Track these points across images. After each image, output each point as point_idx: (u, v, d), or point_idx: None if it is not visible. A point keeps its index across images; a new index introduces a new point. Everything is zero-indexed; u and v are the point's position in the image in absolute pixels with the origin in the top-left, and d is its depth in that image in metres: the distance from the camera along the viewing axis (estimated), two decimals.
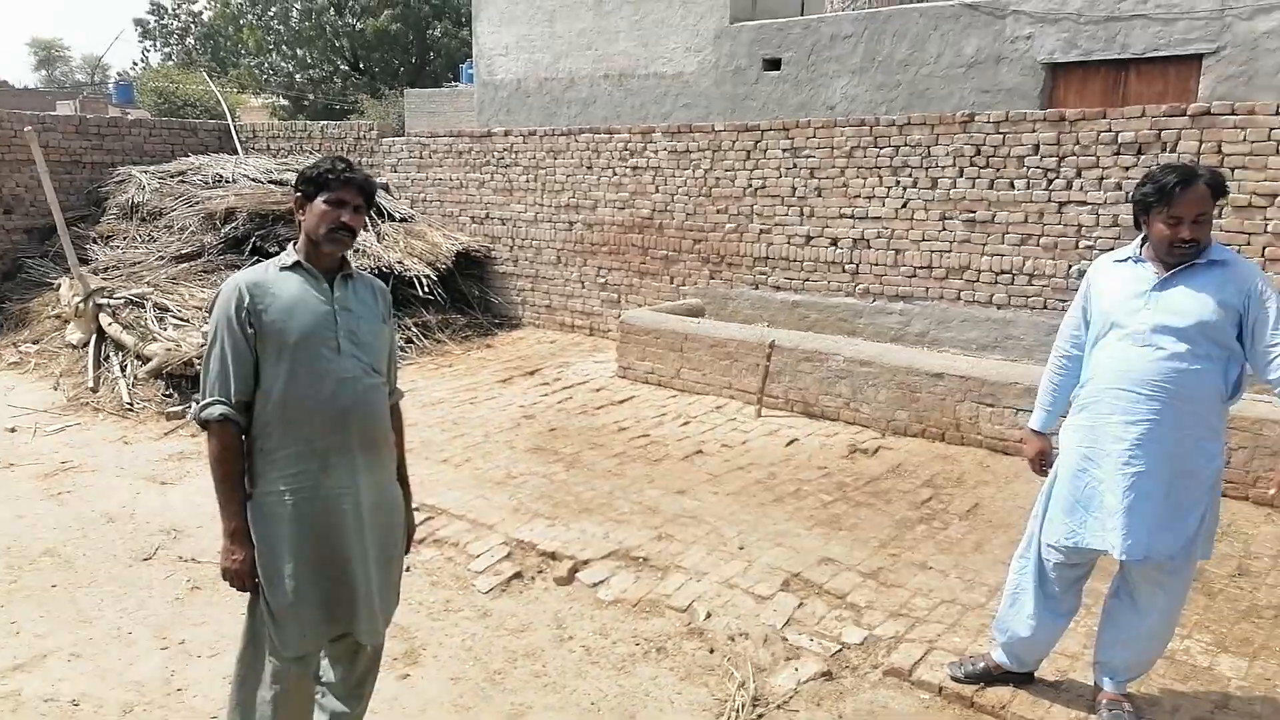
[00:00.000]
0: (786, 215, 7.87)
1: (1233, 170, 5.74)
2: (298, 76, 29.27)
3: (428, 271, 9.09)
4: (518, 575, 4.17)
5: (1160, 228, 2.64)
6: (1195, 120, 5.89)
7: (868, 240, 7.42)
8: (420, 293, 8.97)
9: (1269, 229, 5.65)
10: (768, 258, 8.01)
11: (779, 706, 3.21)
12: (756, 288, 8.11)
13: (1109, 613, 2.97)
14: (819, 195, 7.67)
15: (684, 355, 7.25)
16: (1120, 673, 2.95)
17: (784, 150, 7.81)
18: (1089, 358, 2.85)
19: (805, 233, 7.78)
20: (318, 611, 2.38)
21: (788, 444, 5.97)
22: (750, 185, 8.05)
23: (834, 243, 7.62)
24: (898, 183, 7.23)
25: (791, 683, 3.35)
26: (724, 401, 6.90)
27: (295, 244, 2.44)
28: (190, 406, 6.35)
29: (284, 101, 28.96)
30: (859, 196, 7.45)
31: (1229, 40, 7.87)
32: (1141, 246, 2.77)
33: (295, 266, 2.39)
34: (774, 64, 10.61)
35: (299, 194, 2.41)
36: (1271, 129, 5.63)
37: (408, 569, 4.21)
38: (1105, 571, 3.15)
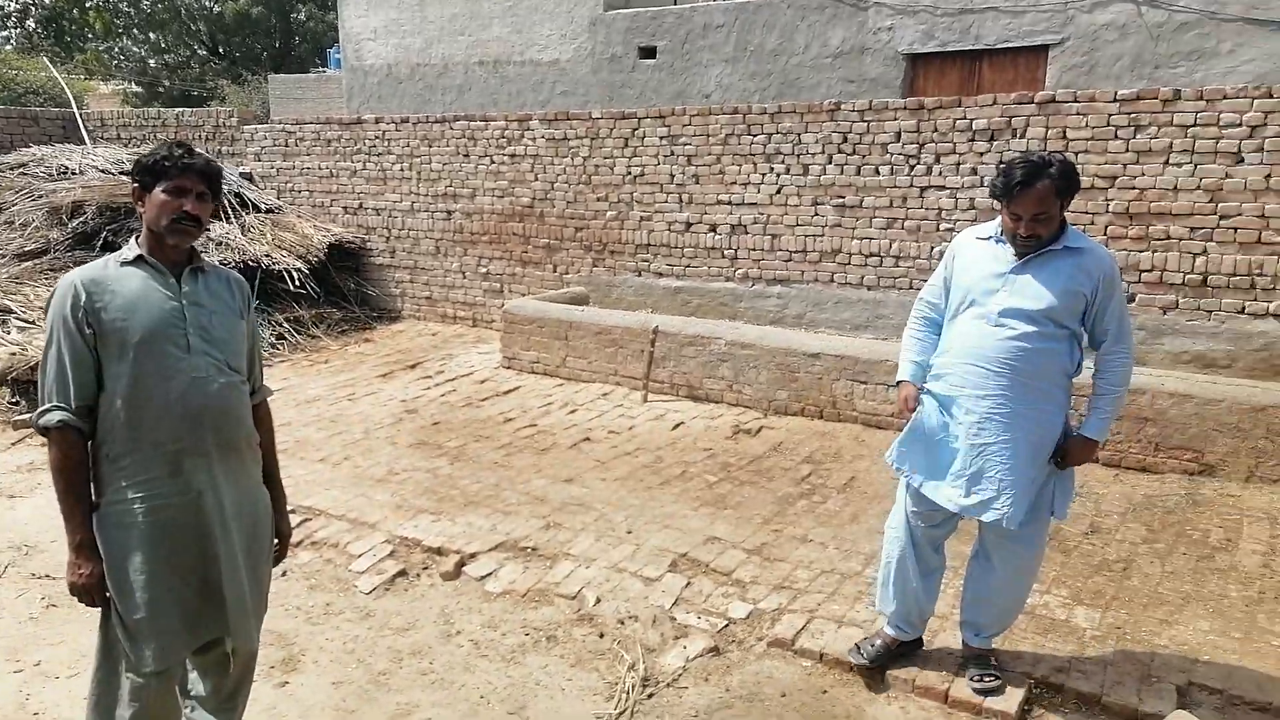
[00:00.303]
0: (666, 202, 7.94)
1: (1076, 154, 6.13)
2: (151, 62, 27.52)
3: (298, 265, 8.72)
4: (402, 573, 4.07)
5: (1006, 219, 2.78)
6: (1042, 108, 6.27)
7: (745, 226, 7.57)
8: (291, 287, 8.61)
9: (1110, 209, 6.07)
10: (649, 245, 8.07)
11: (669, 685, 3.25)
12: (640, 274, 8.15)
13: (970, 573, 3.14)
14: (697, 182, 7.77)
15: (569, 344, 7.23)
16: (984, 629, 3.13)
17: (661, 138, 7.87)
18: (948, 327, 2.98)
19: (685, 219, 7.87)
20: (177, 623, 2.26)
21: (674, 428, 6.05)
22: (629, 173, 8.08)
23: (713, 229, 7.74)
24: (771, 169, 7.40)
25: (680, 661, 3.40)
26: (610, 388, 6.92)
27: (138, 237, 2.29)
28: None
29: (137, 88, 27.18)
30: (735, 183, 7.58)
31: (1072, 31, 8.40)
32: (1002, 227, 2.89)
33: (138, 261, 2.24)
34: (649, 52, 10.67)
35: (136, 184, 2.26)
36: (1110, 115, 6.04)
37: (283, 574, 4.06)
38: (969, 534, 3.33)
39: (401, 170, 9.41)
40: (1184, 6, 7.91)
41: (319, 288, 8.92)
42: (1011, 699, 2.96)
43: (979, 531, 3.08)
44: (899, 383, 3.16)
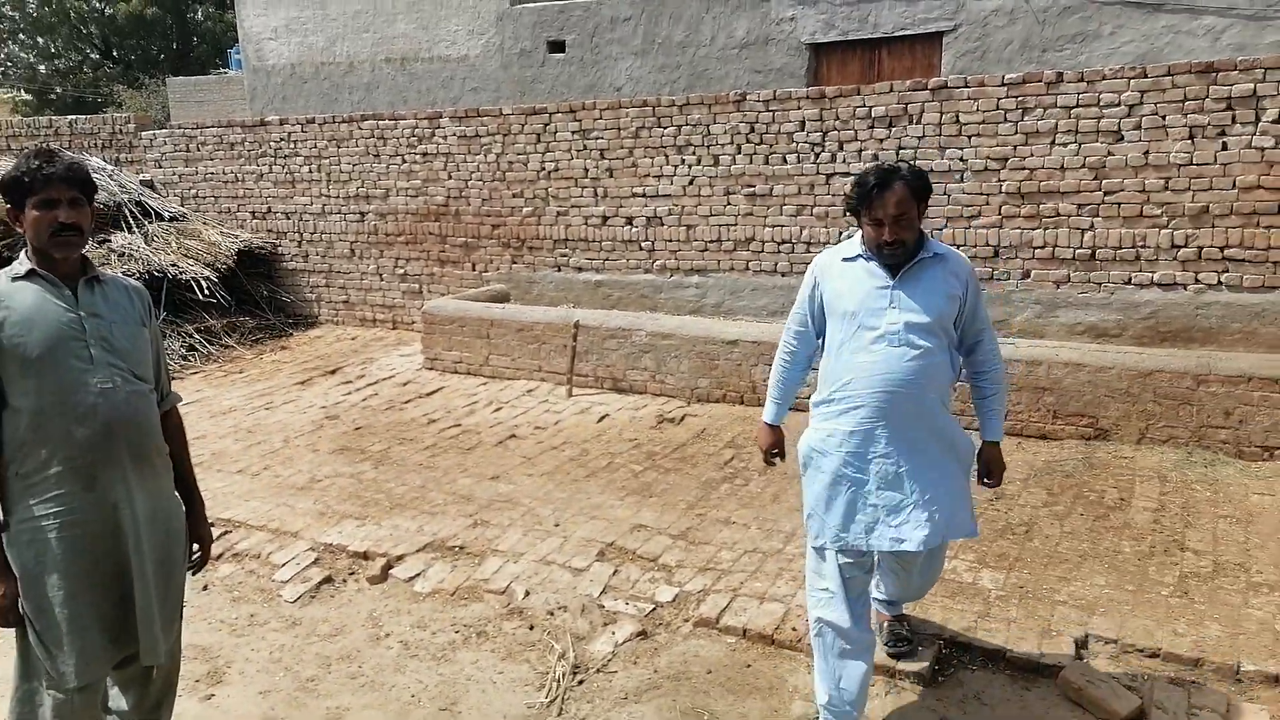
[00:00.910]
0: (582, 196, 7.98)
1: (969, 138, 6.41)
2: (41, 68, 26.22)
3: (207, 273, 8.49)
4: (328, 580, 4.04)
5: (868, 229, 2.68)
6: (935, 94, 6.51)
7: (660, 218, 7.67)
8: (201, 296, 8.37)
9: (1003, 189, 6.35)
10: (567, 239, 8.10)
11: (599, 670, 3.32)
12: (559, 270, 8.18)
13: (884, 571, 3.08)
14: (611, 175, 7.83)
15: (491, 342, 7.22)
16: (897, 605, 3.26)
17: (573, 132, 7.91)
18: (836, 359, 2.78)
19: (601, 213, 7.92)
20: (99, 636, 2.23)
21: (599, 420, 6.11)
22: (544, 168, 8.09)
23: (629, 221, 7.82)
24: (683, 161, 7.51)
25: (609, 647, 3.47)
26: (535, 384, 6.95)
27: (27, 250, 2.24)
28: None
29: (27, 96, 25.87)
30: (649, 175, 7.67)
31: (964, 19, 8.74)
32: (863, 244, 2.77)
33: (30, 275, 2.20)
34: (559, 46, 10.67)
35: (9, 205, 2.20)
36: (999, 99, 6.32)
37: (204, 588, 3.99)
38: None
39: (310, 172, 9.22)
40: None
41: (230, 296, 8.69)
42: (923, 659, 3.12)
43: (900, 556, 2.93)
44: (766, 424, 3.06)
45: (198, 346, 8.16)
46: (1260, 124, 5.61)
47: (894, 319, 2.67)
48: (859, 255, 2.76)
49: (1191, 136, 5.79)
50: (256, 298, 9.18)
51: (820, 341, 2.93)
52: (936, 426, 2.73)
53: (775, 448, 3.09)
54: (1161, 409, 5.04)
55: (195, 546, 2.56)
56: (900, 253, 2.67)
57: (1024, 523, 4.24)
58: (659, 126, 7.58)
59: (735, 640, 3.45)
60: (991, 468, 2.96)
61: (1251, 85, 5.61)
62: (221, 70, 22.71)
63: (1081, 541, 4.00)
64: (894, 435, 2.68)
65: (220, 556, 4.25)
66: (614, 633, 3.57)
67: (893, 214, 2.60)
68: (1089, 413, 5.22)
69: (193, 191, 9.90)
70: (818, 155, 6.97)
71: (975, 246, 6.44)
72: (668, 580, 3.89)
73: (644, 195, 7.72)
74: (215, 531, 4.35)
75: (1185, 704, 2.86)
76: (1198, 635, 3.18)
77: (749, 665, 3.31)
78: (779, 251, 7.23)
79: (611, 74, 10.43)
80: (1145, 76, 5.90)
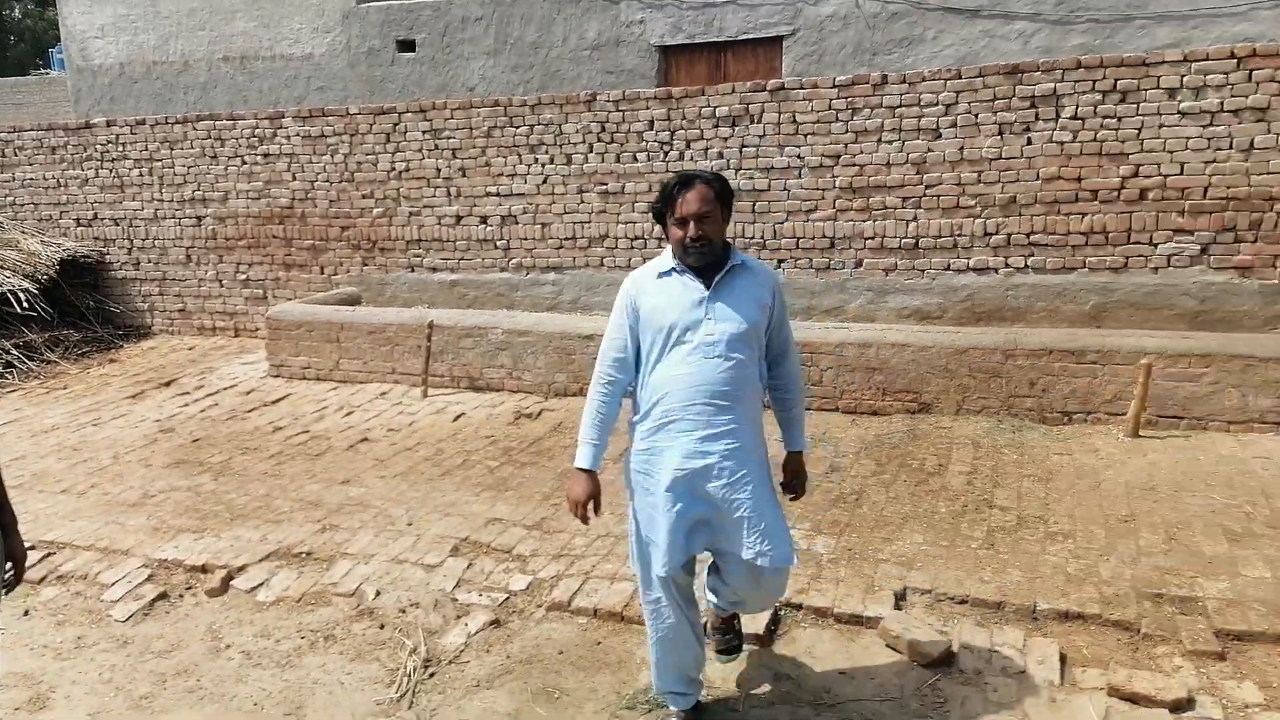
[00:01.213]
0: (434, 196, 7.89)
1: (806, 136, 6.74)
2: None
3: (25, 285, 7.90)
4: (162, 596, 3.87)
5: (674, 231, 2.63)
6: (774, 95, 6.82)
7: (515, 216, 7.69)
8: (19, 310, 7.78)
9: (837, 185, 6.72)
10: (420, 240, 7.99)
11: (451, 662, 3.33)
12: (413, 270, 8.06)
13: (720, 580, 2.88)
14: (464, 175, 7.79)
15: (341, 345, 7.04)
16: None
17: (424, 132, 7.82)
18: (650, 376, 2.69)
19: (455, 213, 7.86)
20: None
21: (455, 419, 6.07)
22: (394, 168, 7.95)
23: (483, 221, 7.79)
24: (536, 160, 7.55)
25: (462, 638, 3.48)
26: (388, 387, 6.83)
27: None
28: None
29: None
30: (502, 175, 7.67)
31: (802, 24, 9.15)
32: (675, 257, 2.69)
33: None
34: (408, 45, 10.49)
35: None
36: (831, 100, 6.67)
37: (25, 614, 3.76)
38: None
39: (141, 176, 8.72)
40: None
41: (52, 309, 8.12)
42: (759, 621, 3.29)
43: (735, 568, 2.75)
44: (581, 472, 2.71)
45: (16, 363, 7.58)
46: (1060, 120, 6.15)
47: (710, 330, 2.61)
48: (672, 269, 2.69)
49: (1001, 133, 6.29)
50: (82, 309, 8.61)
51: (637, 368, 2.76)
52: (754, 438, 2.69)
53: (591, 498, 2.70)
54: (975, 382, 5.47)
55: (8, 565, 2.42)
56: (706, 250, 2.61)
57: (855, 492, 4.52)
58: (511, 126, 7.60)
59: (587, 620, 3.53)
60: (799, 477, 2.91)
61: (1052, 85, 6.15)
62: (43, 70, 21.09)
63: (904, 505, 4.31)
64: (715, 448, 2.61)
65: (43, 580, 4.00)
66: (467, 624, 3.58)
67: (695, 210, 2.57)
68: (913, 388, 5.61)
69: (9, 198, 9.18)
70: (667, 154, 7.16)
71: (813, 239, 6.79)
72: (522, 570, 3.93)
73: (498, 194, 7.71)
74: (36, 555, 4.11)
75: (988, 643, 3.14)
76: (1001, 581, 3.49)
77: (599, 643, 3.39)
78: (632, 247, 7.38)
79: (464, 74, 10.35)
80: (960, 78, 6.37)
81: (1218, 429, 5.07)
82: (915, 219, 6.52)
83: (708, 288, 2.64)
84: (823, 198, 6.74)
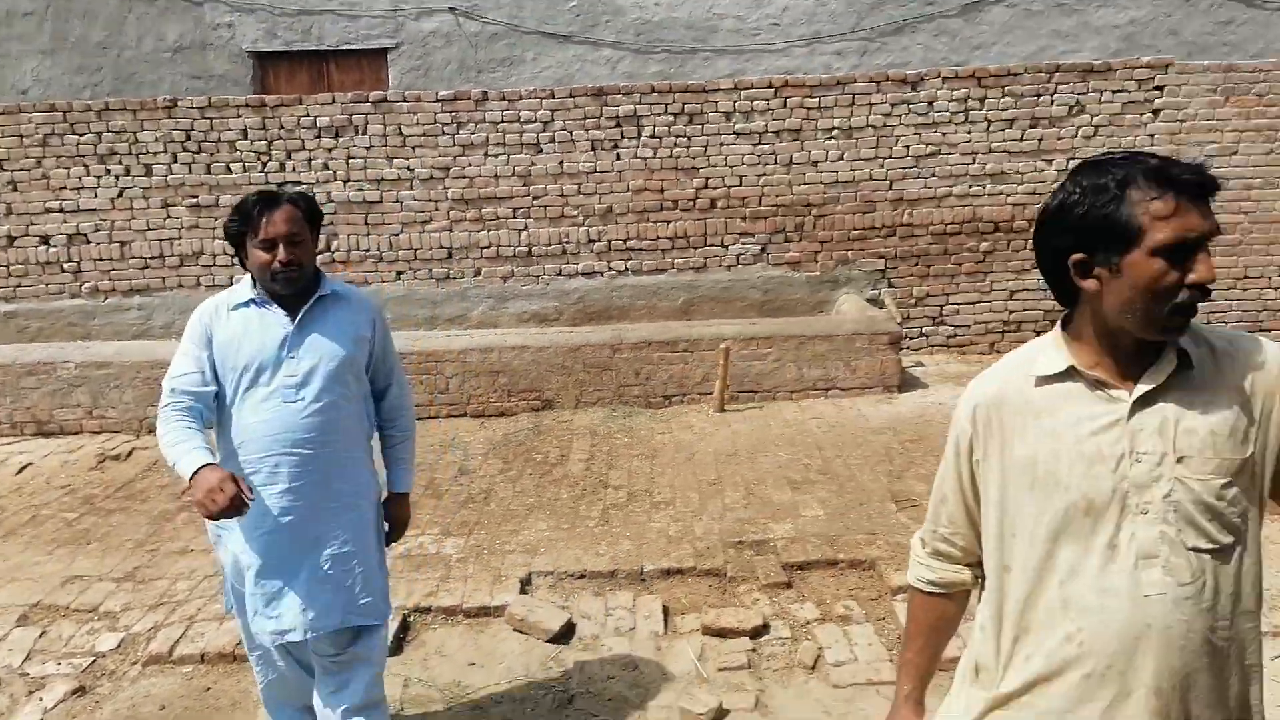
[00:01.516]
0: None
1: (414, 149, 6.76)
2: None
3: None
4: None
5: (258, 255, 2.28)
6: (378, 106, 6.74)
7: (85, 235, 6.75)
8: None
9: (449, 196, 6.81)
10: None
11: None
12: None
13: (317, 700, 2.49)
14: (15, 189, 6.68)
15: None
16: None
17: None
18: (229, 421, 2.36)
19: (6, 232, 6.71)
20: None
21: (18, 471, 5.19)
22: None
23: (45, 241, 6.74)
24: (108, 171, 6.71)
25: (37, 715, 3.00)
26: None
27: None
28: None
29: None
30: (65, 188, 6.70)
31: (405, 37, 9.13)
32: (255, 286, 2.35)
33: None
34: None
35: None
36: (436, 114, 6.76)
37: None
38: None
39: None
40: (492, 19, 9.16)
41: None
42: (388, 631, 3.24)
43: (321, 651, 2.43)
44: (198, 471, 2.13)
45: None
46: (642, 138, 6.84)
47: (293, 370, 2.32)
48: (251, 300, 2.35)
49: (594, 148, 6.83)
50: None
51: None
52: (347, 491, 2.40)
53: (230, 478, 2.12)
54: (590, 376, 5.90)
55: None
56: (297, 277, 2.30)
57: (484, 491, 4.64)
58: (73, 133, 6.67)
59: (192, 668, 3.22)
60: (398, 522, 2.61)
61: (633, 107, 6.81)
62: None
63: (529, 497, 4.52)
64: (290, 506, 2.32)
65: None
66: (42, 699, 3.09)
67: (284, 231, 2.26)
68: (536, 387, 5.89)
69: None
70: (265, 164, 6.75)
71: (431, 249, 6.83)
72: (111, 627, 3.48)
73: (61, 210, 6.72)
74: None
75: (604, 608, 3.42)
76: (614, 552, 3.81)
77: (208, 689, 3.12)
78: (231, 264, 6.83)
79: (14, 75, 8.84)
80: (553, 97, 6.80)
81: (783, 398, 5.98)
82: (526, 228, 6.85)
83: (293, 321, 2.34)
84: (436, 209, 6.81)
